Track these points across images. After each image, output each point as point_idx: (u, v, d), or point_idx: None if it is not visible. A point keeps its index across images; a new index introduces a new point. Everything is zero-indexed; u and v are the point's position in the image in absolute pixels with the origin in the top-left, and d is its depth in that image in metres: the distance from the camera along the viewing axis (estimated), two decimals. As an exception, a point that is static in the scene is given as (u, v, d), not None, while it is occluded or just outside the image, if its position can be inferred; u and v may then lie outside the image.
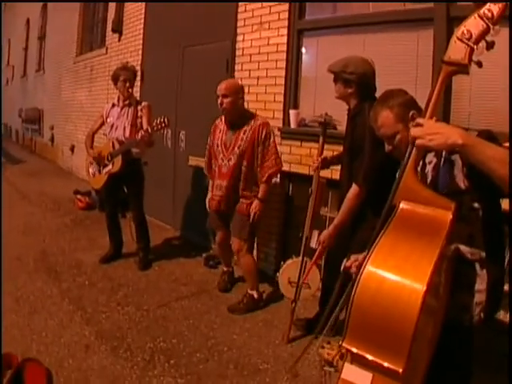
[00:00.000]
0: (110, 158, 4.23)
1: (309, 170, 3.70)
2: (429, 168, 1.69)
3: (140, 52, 6.47)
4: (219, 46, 4.85)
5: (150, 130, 3.96)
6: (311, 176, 3.21)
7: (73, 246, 4.96)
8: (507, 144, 1.59)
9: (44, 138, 11.71)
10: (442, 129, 1.40)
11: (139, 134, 4.00)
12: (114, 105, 4.38)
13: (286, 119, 4.11)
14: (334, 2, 3.89)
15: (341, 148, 3.10)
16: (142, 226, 4.51)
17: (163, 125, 3.93)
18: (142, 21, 6.46)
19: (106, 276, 4.15)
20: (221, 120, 3.64)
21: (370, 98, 2.64)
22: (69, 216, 6.16)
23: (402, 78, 3.25)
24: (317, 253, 2.92)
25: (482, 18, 1.38)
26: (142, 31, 6.47)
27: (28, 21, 13.99)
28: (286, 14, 4.06)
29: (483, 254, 1.60)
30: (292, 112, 4.01)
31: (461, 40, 1.41)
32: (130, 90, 4.29)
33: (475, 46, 1.39)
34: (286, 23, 4.07)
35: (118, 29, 7.11)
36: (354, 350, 1.31)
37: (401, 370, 1.22)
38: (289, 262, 3.22)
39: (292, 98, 4.10)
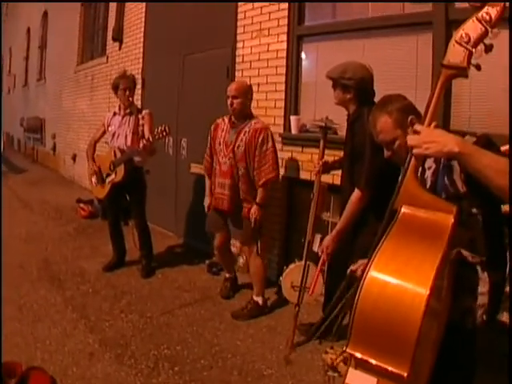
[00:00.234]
0: (112, 168, 4.24)
1: (310, 175, 3.71)
2: (428, 173, 1.69)
3: (141, 60, 6.50)
4: (219, 54, 4.87)
5: (151, 139, 3.98)
6: (313, 181, 3.22)
7: (76, 254, 4.97)
8: (507, 147, 1.60)
9: (46, 147, 11.76)
10: (438, 137, 1.40)
11: (141, 143, 4.01)
12: (115, 113, 4.39)
13: (286, 125, 4.12)
14: (332, 1, 3.91)
15: (342, 153, 3.11)
16: (145, 233, 4.52)
17: (164, 133, 3.95)
18: (142, 29, 6.50)
19: (110, 284, 4.15)
20: (223, 120, 3.65)
21: (369, 103, 2.64)
22: (71, 224, 6.17)
23: (402, 83, 3.26)
24: (321, 260, 2.92)
25: (480, 21, 1.39)
26: (142, 39, 6.50)
27: (29, 30, 14.07)
28: (286, 20, 4.08)
29: (484, 258, 1.61)
30: (293, 118, 4.02)
31: (459, 43, 1.42)
32: (130, 98, 4.31)
33: (474, 50, 1.40)
34: (285, 29, 4.09)
35: (118, 37, 7.15)
36: (358, 355, 1.31)
37: (405, 374, 1.22)
38: (291, 266, 3.23)
39: (292, 103, 4.11)
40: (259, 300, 3.61)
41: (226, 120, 3.60)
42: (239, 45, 4.59)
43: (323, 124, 3.13)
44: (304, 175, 3.90)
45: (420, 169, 1.66)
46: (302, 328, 3.24)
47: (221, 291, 4.01)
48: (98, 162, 4.43)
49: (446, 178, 1.62)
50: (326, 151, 3.17)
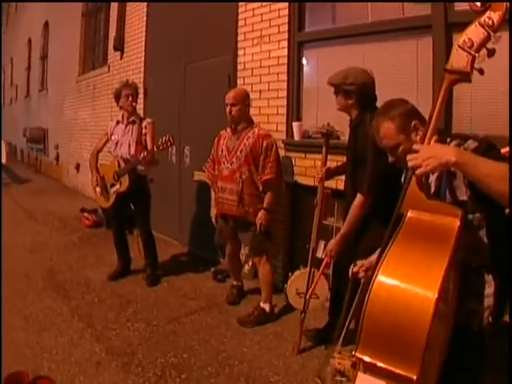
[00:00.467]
0: (117, 178, 4.25)
1: (313, 181, 3.71)
2: (432, 178, 1.71)
3: (142, 69, 6.53)
4: (220, 61, 4.89)
5: (154, 150, 3.99)
6: (316, 187, 3.23)
7: (80, 263, 4.97)
8: (507, 149, 1.61)
9: (49, 157, 11.80)
10: (436, 151, 1.43)
11: (142, 155, 4.04)
12: (118, 122, 4.41)
13: (289, 131, 4.13)
14: (332, 1, 3.93)
15: (345, 158, 3.12)
16: (150, 241, 4.52)
17: (169, 143, 3.98)
18: (144, 38, 6.54)
19: (115, 293, 4.16)
20: (225, 130, 3.69)
21: (371, 108, 2.66)
22: (76, 234, 6.18)
23: (403, 86, 3.28)
24: (324, 263, 2.93)
25: (482, 25, 1.41)
26: (143, 49, 6.54)
27: (30, 40, 14.16)
28: (286, 27, 4.10)
29: (489, 260, 1.61)
30: (295, 124, 4.02)
31: (462, 48, 1.43)
32: (133, 104, 4.33)
33: (477, 54, 1.42)
34: (286, 36, 4.11)
35: (119, 47, 7.18)
36: (367, 358, 1.32)
37: (415, 377, 1.23)
38: (296, 273, 3.23)
39: (295, 110, 4.12)
40: (266, 307, 3.61)
41: (229, 130, 3.65)
42: (240, 52, 4.61)
43: (325, 131, 3.14)
44: (307, 181, 3.91)
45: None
46: (308, 334, 3.23)
47: (227, 297, 4.01)
48: (102, 172, 4.44)
49: (450, 183, 1.63)
50: (329, 156, 3.18)
